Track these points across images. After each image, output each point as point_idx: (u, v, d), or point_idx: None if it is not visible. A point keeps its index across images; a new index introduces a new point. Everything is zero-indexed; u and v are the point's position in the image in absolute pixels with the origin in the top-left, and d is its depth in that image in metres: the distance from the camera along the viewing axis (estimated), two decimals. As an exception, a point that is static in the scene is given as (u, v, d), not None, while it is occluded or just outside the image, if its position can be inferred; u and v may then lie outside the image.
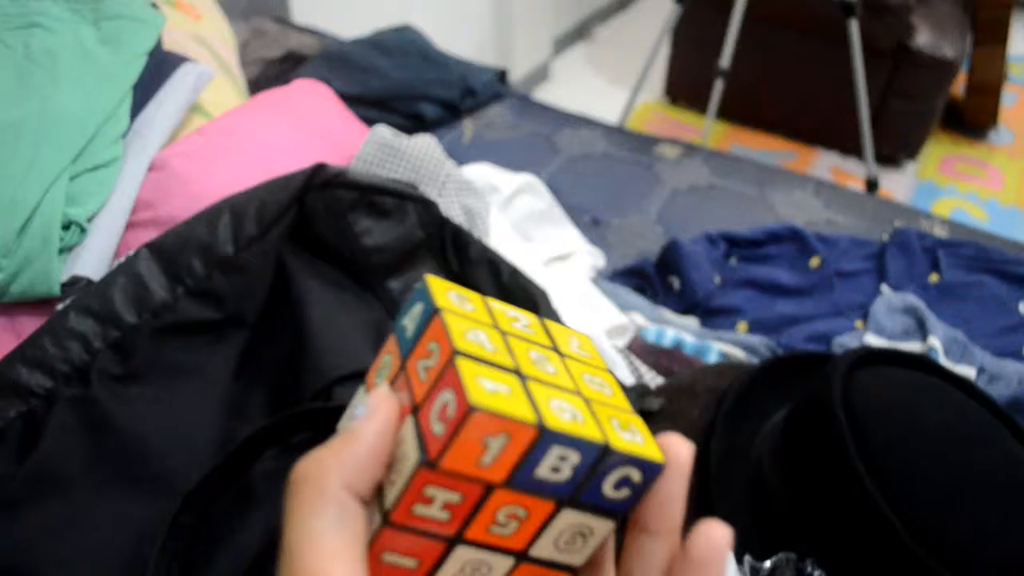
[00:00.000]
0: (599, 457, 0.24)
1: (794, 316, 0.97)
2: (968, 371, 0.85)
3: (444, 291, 0.27)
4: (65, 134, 0.71)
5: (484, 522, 0.25)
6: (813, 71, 2.49)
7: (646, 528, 0.25)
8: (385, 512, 0.24)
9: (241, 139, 0.83)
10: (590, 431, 0.24)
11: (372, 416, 0.24)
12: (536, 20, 2.77)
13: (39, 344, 0.58)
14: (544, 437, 0.23)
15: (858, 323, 0.96)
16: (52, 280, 0.66)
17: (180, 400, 0.60)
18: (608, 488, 0.25)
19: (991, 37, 2.55)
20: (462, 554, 0.25)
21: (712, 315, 0.99)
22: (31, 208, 0.66)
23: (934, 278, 1.04)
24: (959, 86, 2.80)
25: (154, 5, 0.90)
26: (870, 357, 0.64)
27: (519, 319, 0.29)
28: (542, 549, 0.26)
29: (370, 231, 0.68)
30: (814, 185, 1.28)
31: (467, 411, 0.22)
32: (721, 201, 1.25)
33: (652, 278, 1.05)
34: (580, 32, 3.32)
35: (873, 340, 0.90)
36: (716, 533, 0.24)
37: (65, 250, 0.69)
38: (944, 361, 0.86)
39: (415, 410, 0.25)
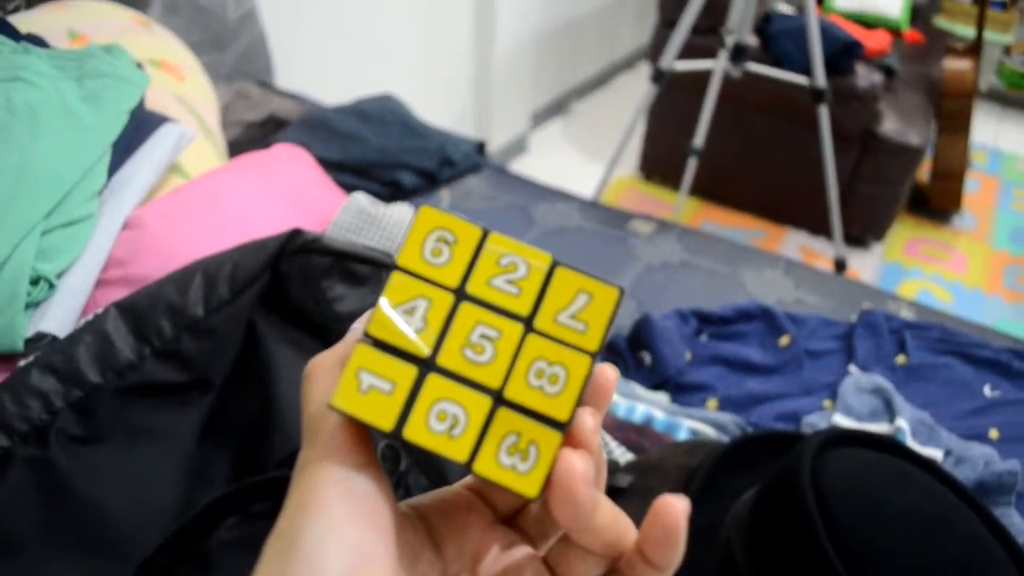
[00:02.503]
0: (457, 466, 0.26)
1: (764, 394, 0.98)
2: (935, 453, 0.85)
3: (426, 231, 0.28)
4: (40, 189, 0.71)
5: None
6: (784, 153, 2.56)
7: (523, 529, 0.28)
8: None
9: (218, 201, 0.84)
10: (454, 449, 0.25)
11: (362, 325, 0.28)
12: (515, 93, 2.83)
13: (-2, 402, 0.57)
14: (397, 439, 0.25)
15: (827, 403, 0.96)
16: (16, 335, 0.65)
17: (141, 464, 0.59)
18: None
19: (954, 126, 2.65)
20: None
21: (683, 391, 0.99)
22: (0, 261, 0.65)
23: (901, 360, 1.05)
24: (924, 172, 2.88)
25: (139, 65, 0.91)
26: (838, 438, 0.64)
27: (515, 268, 0.28)
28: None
29: (343, 298, 0.68)
30: (784, 265, 1.30)
31: (329, 404, 0.25)
32: (693, 278, 1.26)
33: (624, 353, 1.06)
34: (558, 107, 3.39)
35: (842, 420, 0.90)
36: (676, 508, 0.25)
37: (32, 305, 0.69)
38: (911, 443, 0.86)
39: None
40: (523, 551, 0.30)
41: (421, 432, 0.25)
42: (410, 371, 0.26)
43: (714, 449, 0.72)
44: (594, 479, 0.26)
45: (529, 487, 0.25)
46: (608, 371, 0.28)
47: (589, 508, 0.25)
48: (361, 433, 0.26)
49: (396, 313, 0.26)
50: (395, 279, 0.27)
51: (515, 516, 0.32)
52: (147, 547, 0.48)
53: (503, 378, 0.26)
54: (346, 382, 0.25)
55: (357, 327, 0.28)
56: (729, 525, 0.64)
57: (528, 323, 0.27)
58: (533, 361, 0.27)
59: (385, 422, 0.25)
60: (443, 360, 0.26)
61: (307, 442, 0.26)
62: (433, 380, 0.26)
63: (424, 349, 0.26)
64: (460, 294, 0.27)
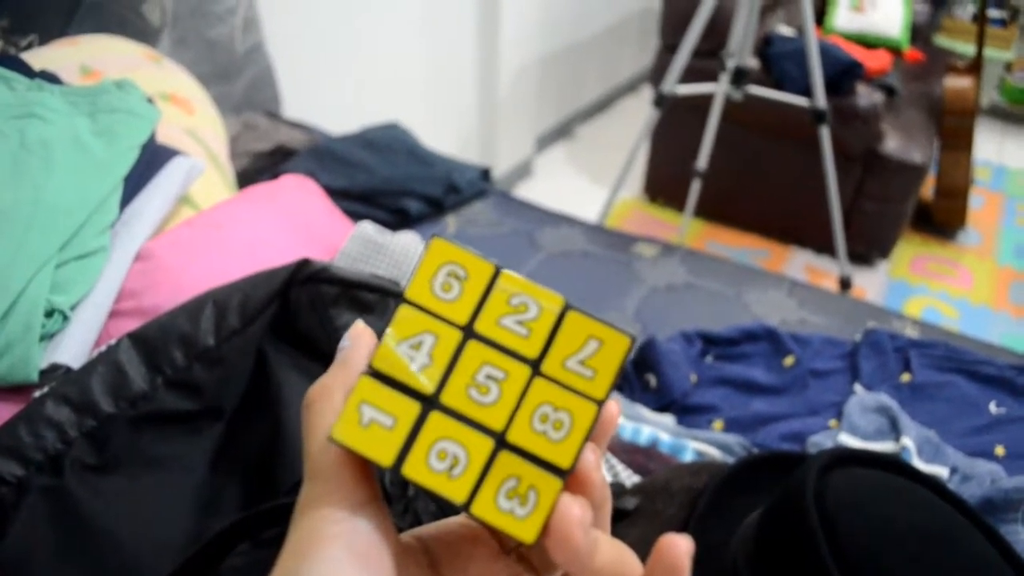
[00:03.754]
0: (455, 506, 0.25)
1: (769, 415, 0.98)
2: (941, 471, 0.86)
3: (438, 265, 0.27)
4: (54, 222, 0.72)
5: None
6: (787, 173, 2.57)
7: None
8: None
9: (228, 232, 0.85)
10: (452, 489, 0.25)
11: (356, 346, 0.28)
12: (519, 118, 2.86)
13: (14, 432, 0.58)
14: (396, 474, 0.25)
15: (832, 422, 0.97)
16: (31, 367, 0.66)
17: (154, 492, 0.60)
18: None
19: (956, 143, 2.66)
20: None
21: (688, 413, 1.00)
22: (15, 294, 0.67)
23: (906, 378, 1.06)
24: (928, 189, 2.89)
25: (150, 100, 0.93)
26: (843, 458, 0.65)
27: (526, 309, 0.27)
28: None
29: (351, 326, 0.69)
30: (788, 285, 1.31)
31: (328, 436, 0.25)
32: (697, 300, 1.27)
33: (629, 375, 1.06)
34: (562, 131, 3.42)
35: (847, 439, 0.91)
36: (680, 547, 0.25)
37: (46, 337, 0.70)
38: (917, 461, 0.87)
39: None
40: None
41: (420, 470, 0.25)
42: (413, 407, 0.26)
43: (719, 470, 0.73)
44: (594, 520, 0.26)
45: (526, 532, 0.25)
46: (611, 407, 0.28)
47: (587, 552, 0.25)
48: (363, 469, 0.26)
49: (402, 347, 0.26)
50: (403, 312, 0.27)
51: (520, 548, 0.32)
52: (160, 574, 0.49)
53: (507, 421, 0.26)
54: (347, 415, 0.25)
55: (344, 345, 0.28)
56: (735, 546, 0.65)
57: (536, 366, 0.27)
58: (538, 406, 0.26)
59: (384, 457, 0.25)
60: (447, 398, 0.26)
61: (308, 477, 0.27)
62: (435, 418, 0.26)
63: (428, 386, 0.26)
64: (468, 332, 0.27)
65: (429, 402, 0.26)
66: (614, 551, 0.26)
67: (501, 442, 0.26)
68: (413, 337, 0.26)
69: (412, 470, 0.25)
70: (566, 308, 0.27)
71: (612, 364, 0.27)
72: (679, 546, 0.25)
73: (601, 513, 0.28)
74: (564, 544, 0.24)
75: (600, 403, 0.26)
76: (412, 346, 0.26)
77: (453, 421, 0.26)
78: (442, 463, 0.25)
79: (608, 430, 0.28)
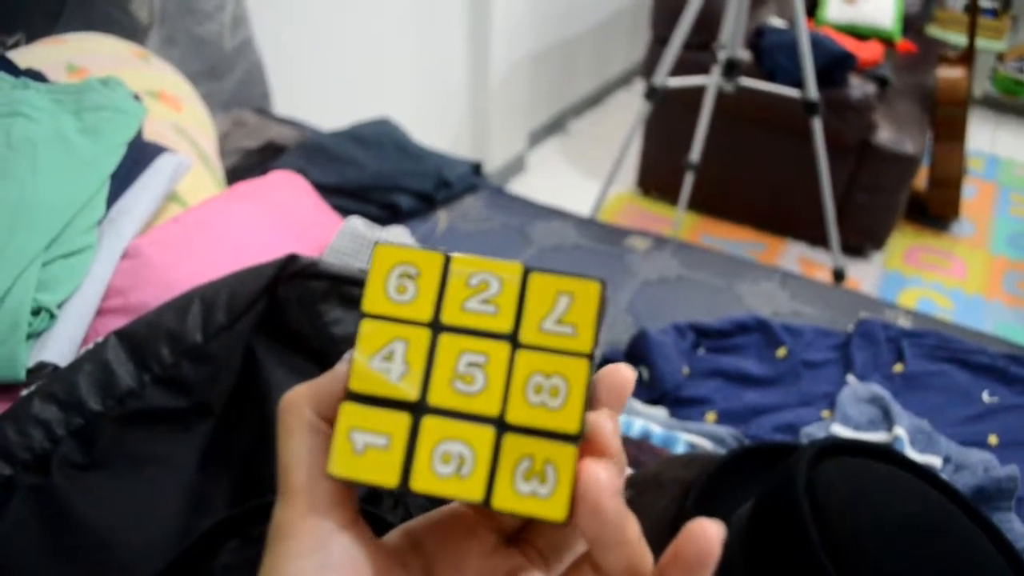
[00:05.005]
0: (476, 506, 0.25)
1: (762, 406, 0.98)
2: (934, 460, 0.86)
3: (387, 270, 0.26)
4: (40, 221, 0.72)
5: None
6: (781, 165, 2.57)
7: (541, 552, 0.27)
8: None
9: (216, 229, 0.85)
10: (467, 489, 0.24)
11: (345, 361, 0.27)
12: (511, 114, 2.86)
13: (1, 431, 0.58)
14: (405, 492, 0.24)
15: (825, 413, 0.97)
16: (18, 366, 0.66)
17: (142, 490, 0.60)
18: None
19: (949, 134, 2.66)
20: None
21: (681, 405, 1.00)
22: (1, 292, 0.66)
23: (899, 368, 1.06)
24: (922, 180, 2.90)
25: (136, 97, 0.93)
26: (834, 448, 0.65)
27: (487, 286, 0.26)
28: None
29: (340, 321, 0.69)
30: (780, 276, 1.31)
31: (327, 474, 0.25)
32: (690, 292, 1.27)
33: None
34: (555, 125, 3.41)
35: (840, 430, 0.91)
36: (708, 533, 0.23)
37: (33, 335, 0.69)
38: (909, 451, 0.87)
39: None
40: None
41: (429, 480, 0.24)
42: (403, 419, 0.25)
43: (711, 462, 0.73)
44: (620, 488, 0.24)
45: (555, 510, 0.24)
46: (624, 370, 0.26)
47: (619, 521, 0.23)
48: (338, 491, 0.25)
49: (375, 362, 0.25)
50: (366, 327, 0.25)
51: (523, 534, 0.30)
52: (149, 572, 0.49)
53: (501, 403, 0.25)
54: (340, 447, 0.24)
55: (347, 356, 0.26)
56: (727, 537, 0.65)
57: (514, 339, 0.25)
58: (528, 377, 0.25)
59: (389, 478, 0.24)
60: (434, 399, 0.25)
61: (280, 496, 0.25)
62: (429, 423, 0.25)
63: (412, 392, 0.25)
64: (436, 326, 0.26)
65: (418, 408, 0.25)
66: (639, 528, 0.25)
67: (502, 426, 0.25)
68: (383, 348, 0.25)
69: (420, 483, 0.24)
70: (527, 272, 0.26)
71: (589, 314, 0.25)
72: (711, 530, 0.23)
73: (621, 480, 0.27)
74: (595, 513, 0.23)
75: (589, 356, 0.25)
76: (384, 358, 0.25)
77: (448, 420, 0.25)
78: (448, 466, 0.24)
79: (623, 394, 0.26)
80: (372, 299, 0.26)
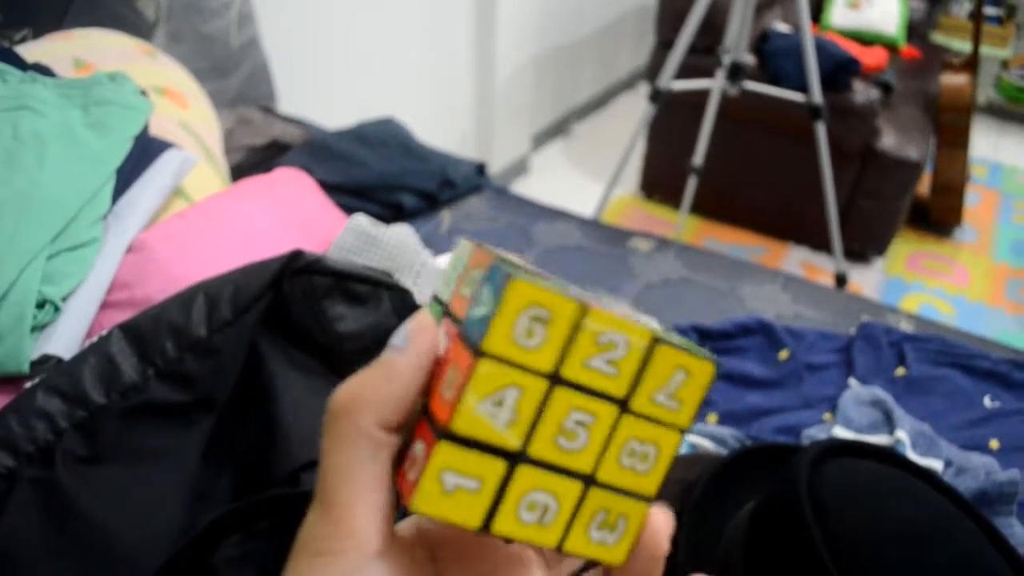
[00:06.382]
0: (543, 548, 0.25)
1: (764, 408, 0.98)
2: (935, 464, 0.86)
3: (519, 310, 0.23)
4: (46, 214, 0.72)
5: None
6: (784, 169, 2.57)
7: None
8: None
9: (221, 224, 0.85)
10: (544, 536, 0.25)
11: (410, 352, 0.24)
12: (516, 116, 2.86)
13: (4, 423, 0.58)
14: (483, 533, 0.24)
15: (827, 415, 0.97)
16: (22, 358, 0.66)
17: (145, 483, 0.60)
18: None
19: (953, 140, 2.66)
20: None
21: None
22: (7, 285, 0.67)
23: (900, 372, 1.06)
24: (925, 186, 2.90)
25: (143, 93, 0.93)
26: (836, 449, 0.65)
27: (614, 347, 0.25)
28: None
29: (344, 317, 0.69)
30: (783, 280, 1.31)
31: (407, 507, 0.23)
32: (693, 294, 1.27)
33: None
34: (558, 128, 3.42)
35: (841, 432, 0.91)
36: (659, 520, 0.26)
37: (38, 328, 0.70)
38: (911, 454, 0.87)
39: (425, 404, 0.26)
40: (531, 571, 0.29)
41: (511, 525, 0.24)
42: (498, 466, 0.24)
43: (712, 462, 0.73)
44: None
45: (616, 556, 0.26)
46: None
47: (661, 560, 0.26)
48: (384, 506, 0.24)
49: (484, 406, 0.23)
50: (483, 368, 0.23)
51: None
52: (151, 566, 0.49)
53: (595, 462, 0.25)
54: (428, 484, 0.23)
55: (395, 343, 0.25)
56: (728, 538, 0.65)
57: (624, 405, 0.25)
58: (626, 442, 0.25)
59: (471, 521, 0.24)
60: (534, 451, 0.24)
61: (318, 505, 0.24)
62: (523, 472, 0.24)
63: (515, 443, 0.24)
64: (554, 379, 0.24)
65: (516, 457, 0.24)
66: None
67: (589, 482, 0.25)
68: (495, 393, 0.23)
69: (502, 527, 0.24)
70: (654, 342, 0.25)
71: (697, 393, 0.26)
72: (657, 520, 0.26)
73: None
74: (654, 560, 0.25)
75: (684, 431, 0.26)
76: (495, 403, 0.24)
77: (541, 472, 0.24)
78: (532, 514, 0.24)
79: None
80: (497, 339, 0.23)
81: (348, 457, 0.24)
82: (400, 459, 0.25)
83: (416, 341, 0.25)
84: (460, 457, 0.23)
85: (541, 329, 0.24)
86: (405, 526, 0.28)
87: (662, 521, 0.26)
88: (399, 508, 0.25)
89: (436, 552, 0.28)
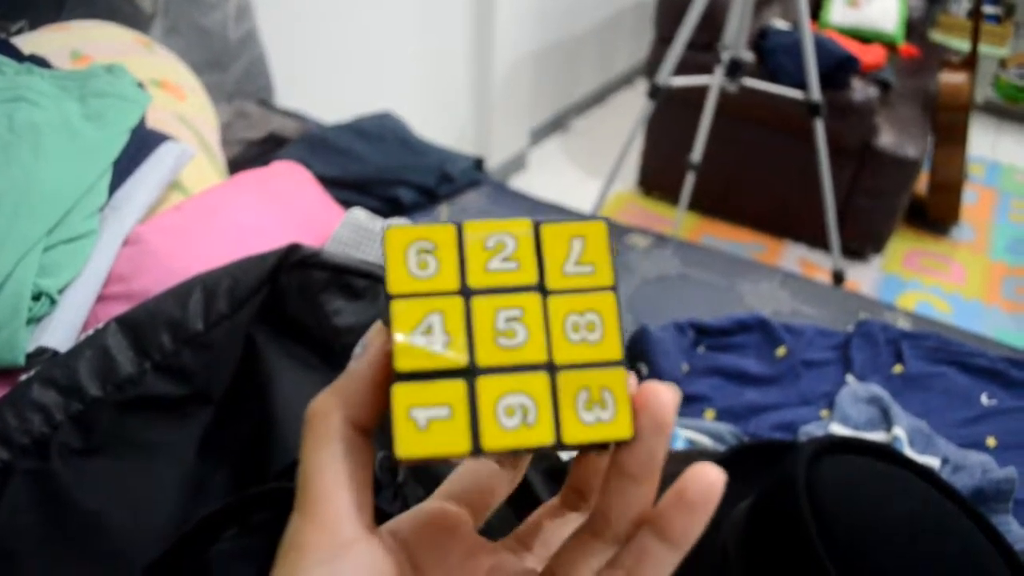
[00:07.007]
0: (548, 449, 0.25)
1: (761, 404, 0.98)
2: (932, 461, 0.86)
3: (403, 250, 0.26)
4: (42, 206, 0.72)
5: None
6: (782, 166, 2.57)
7: (628, 474, 0.26)
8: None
9: (218, 217, 0.84)
10: (536, 436, 0.25)
11: (365, 356, 0.26)
12: (514, 111, 2.85)
13: (0, 415, 0.58)
14: (479, 454, 0.24)
15: (824, 412, 0.97)
16: (18, 350, 0.66)
17: (141, 476, 0.59)
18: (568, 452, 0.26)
19: (950, 138, 2.66)
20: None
21: (680, 402, 1.00)
22: (2, 277, 0.66)
23: (898, 369, 1.06)
24: (922, 184, 2.90)
25: (140, 85, 0.92)
26: (834, 446, 0.65)
27: (503, 246, 0.27)
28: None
29: (341, 311, 0.69)
30: (781, 277, 1.31)
31: (397, 459, 0.24)
32: (690, 290, 1.27)
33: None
34: (557, 123, 3.41)
35: (839, 429, 0.91)
36: (710, 475, 0.24)
37: (33, 320, 0.69)
38: (908, 451, 0.87)
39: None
40: (513, 567, 0.29)
41: (499, 436, 0.24)
42: (458, 386, 0.25)
43: (710, 459, 0.73)
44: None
45: (621, 430, 0.25)
46: (664, 391, 0.26)
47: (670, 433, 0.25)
48: (354, 499, 0.25)
49: (415, 338, 0.25)
50: (396, 307, 0.25)
51: (514, 530, 0.31)
52: (146, 559, 0.49)
53: (546, 348, 0.26)
54: (402, 429, 0.24)
55: (357, 352, 0.27)
56: (725, 534, 0.65)
57: (542, 288, 0.26)
58: (564, 319, 0.26)
59: (460, 446, 0.24)
60: (483, 360, 0.25)
61: (297, 508, 0.25)
62: (484, 383, 0.25)
63: (461, 358, 0.25)
64: (466, 292, 0.26)
65: (470, 372, 0.25)
66: None
67: (552, 368, 0.25)
68: (420, 324, 0.25)
69: (491, 441, 0.24)
70: (537, 224, 0.27)
71: (603, 250, 0.27)
72: (711, 474, 0.24)
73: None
74: (659, 429, 0.24)
75: (613, 288, 0.27)
76: (424, 332, 0.25)
77: (501, 376, 0.25)
78: (513, 419, 0.24)
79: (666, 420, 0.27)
80: (395, 280, 0.26)
81: (322, 454, 0.25)
82: None
83: (370, 346, 0.26)
84: (418, 391, 0.24)
85: (431, 258, 0.26)
86: (385, 531, 0.29)
87: (664, 391, 0.24)
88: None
89: (414, 557, 0.28)
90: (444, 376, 0.25)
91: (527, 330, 0.26)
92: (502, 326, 0.26)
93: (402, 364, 0.24)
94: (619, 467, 0.25)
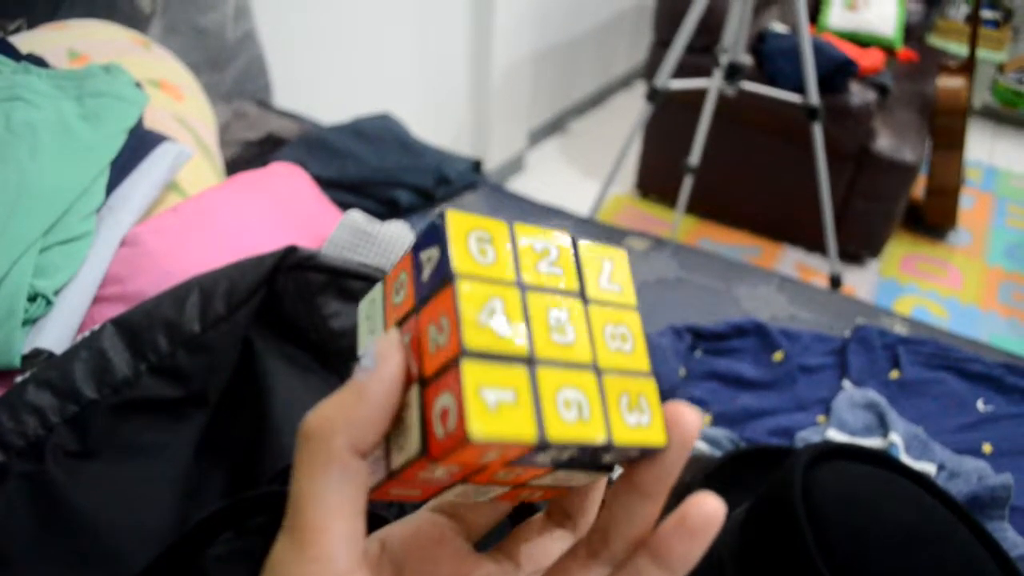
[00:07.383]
0: (598, 450, 0.25)
1: (757, 409, 0.98)
2: (928, 468, 0.86)
3: (464, 235, 0.26)
4: (39, 206, 0.71)
5: (483, 478, 0.27)
6: (780, 170, 2.57)
7: (640, 489, 0.26)
8: (391, 471, 0.26)
9: (215, 219, 0.84)
10: (592, 431, 0.25)
11: (380, 373, 0.24)
12: (512, 113, 2.85)
13: (-6, 417, 0.57)
14: (543, 446, 0.24)
15: (820, 418, 0.97)
16: (13, 352, 0.66)
17: (136, 479, 0.59)
18: (604, 458, 0.26)
19: (948, 143, 2.67)
20: (462, 488, 0.28)
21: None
22: (-2, 279, 0.66)
23: (895, 374, 1.06)
24: (919, 188, 2.90)
25: (138, 85, 0.92)
26: (830, 452, 0.65)
27: (548, 252, 0.28)
28: (535, 487, 0.29)
29: (338, 314, 0.69)
30: (778, 281, 1.31)
31: (465, 439, 0.22)
32: (688, 294, 1.27)
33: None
34: (555, 126, 3.41)
35: (835, 435, 0.91)
36: (712, 504, 0.24)
37: (29, 322, 0.69)
38: (905, 457, 0.87)
39: (422, 382, 0.25)
40: None
41: (561, 428, 0.24)
42: (522, 372, 0.24)
43: (706, 464, 0.73)
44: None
45: (657, 436, 0.26)
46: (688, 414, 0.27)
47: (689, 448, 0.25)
48: (349, 530, 0.24)
49: (482, 318, 0.24)
50: (464, 286, 0.25)
51: (500, 543, 0.31)
52: (141, 562, 0.48)
53: (591, 350, 0.26)
54: (475, 407, 0.23)
55: (366, 365, 0.25)
56: (720, 540, 0.64)
57: (583, 296, 0.28)
58: (603, 328, 0.27)
59: (527, 433, 0.23)
60: (540, 351, 0.25)
61: (286, 532, 0.24)
62: (544, 373, 0.25)
63: (524, 346, 0.25)
64: (521, 286, 0.26)
65: (530, 362, 0.25)
66: None
67: (597, 371, 0.26)
68: (485, 305, 0.25)
69: (555, 433, 0.24)
70: (574, 241, 0.29)
71: (626, 274, 0.29)
72: (710, 503, 0.24)
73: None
74: (684, 443, 0.25)
75: (636, 308, 0.29)
76: (488, 314, 0.25)
77: (557, 370, 0.25)
78: (571, 412, 0.25)
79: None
80: (461, 260, 0.25)
81: (319, 481, 0.23)
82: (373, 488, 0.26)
83: (386, 361, 0.24)
84: (486, 371, 0.24)
85: (489, 247, 0.26)
86: (372, 545, 0.28)
87: (690, 412, 0.25)
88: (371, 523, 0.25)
89: (402, 567, 0.28)
90: (508, 360, 0.24)
91: (575, 332, 0.26)
92: (554, 323, 0.26)
93: (472, 341, 0.24)
94: (634, 482, 0.26)
